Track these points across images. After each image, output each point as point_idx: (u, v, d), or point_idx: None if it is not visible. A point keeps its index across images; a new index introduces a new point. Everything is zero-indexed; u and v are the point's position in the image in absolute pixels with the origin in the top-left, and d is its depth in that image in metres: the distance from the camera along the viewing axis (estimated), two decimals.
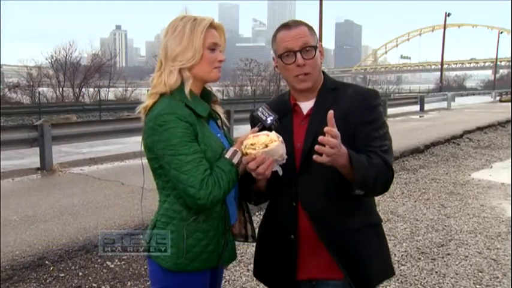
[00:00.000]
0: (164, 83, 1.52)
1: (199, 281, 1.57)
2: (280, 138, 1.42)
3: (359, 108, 1.54)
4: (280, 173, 1.48)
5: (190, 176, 1.42)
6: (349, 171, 1.41)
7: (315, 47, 1.55)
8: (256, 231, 1.74)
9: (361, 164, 1.40)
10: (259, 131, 1.52)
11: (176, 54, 1.52)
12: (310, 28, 1.59)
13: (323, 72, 1.64)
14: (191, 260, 1.52)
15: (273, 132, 1.45)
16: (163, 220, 1.56)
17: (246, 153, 1.42)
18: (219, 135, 1.60)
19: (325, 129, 1.33)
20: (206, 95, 1.63)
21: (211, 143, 1.51)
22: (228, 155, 1.50)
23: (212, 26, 1.55)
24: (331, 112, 1.35)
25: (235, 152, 1.51)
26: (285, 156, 1.44)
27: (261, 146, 1.40)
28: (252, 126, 1.60)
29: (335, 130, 1.33)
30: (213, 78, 1.59)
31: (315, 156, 1.34)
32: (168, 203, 1.55)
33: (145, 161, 1.59)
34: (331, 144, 1.32)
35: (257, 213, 4.73)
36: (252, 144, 1.42)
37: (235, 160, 1.49)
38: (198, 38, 1.50)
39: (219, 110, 1.69)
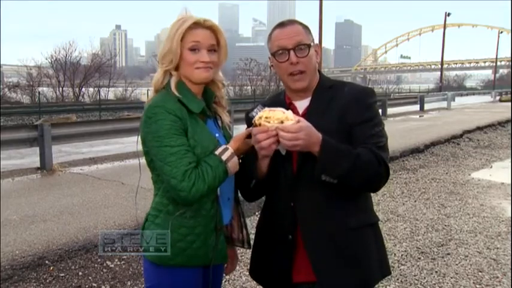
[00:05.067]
0: (153, 83, 1.60)
1: (189, 279, 1.56)
2: (297, 118, 1.40)
3: (355, 107, 1.54)
4: (283, 152, 1.49)
5: (174, 168, 1.43)
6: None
7: (309, 46, 1.54)
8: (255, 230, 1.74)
9: (331, 151, 1.41)
10: None
11: (162, 56, 1.56)
12: (306, 27, 1.59)
13: (319, 71, 1.64)
14: (174, 254, 1.52)
15: (290, 111, 1.44)
16: (153, 213, 1.58)
17: (259, 124, 1.41)
18: (217, 135, 1.60)
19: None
20: (208, 95, 1.64)
21: (203, 140, 1.52)
22: (217, 152, 1.51)
23: (197, 25, 1.53)
24: None
25: (225, 149, 1.51)
26: None
27: (276, 121, 1.39)
28: (248, 126, 1.60)
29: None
30: (197, 79, 1.57)
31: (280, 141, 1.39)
32: (158, 197, 1.58)
33: (143, 160, 1.60)
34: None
35: (257, 213, 4.73)
36: (266, 117, 1.41)
37: (224, 157, 1.49)
38: (176, 41, 1.51)
39: (221, 111, 1.69)
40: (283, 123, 1.38)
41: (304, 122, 1.39)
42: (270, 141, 1.40)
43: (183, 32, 1.51)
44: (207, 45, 1.54)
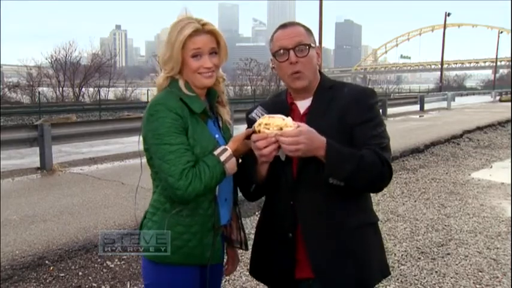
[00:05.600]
0: (157, 87, 1.62)
1: (187, 278, 1.57)
2: (296, 125, 1.41)
3: (356, 108, 1.54)
4: (283, 158, 1.49)
5: (172, 166, 1.44)
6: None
7: (309, 46, 1.56)
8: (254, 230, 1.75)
9: (336, 154, 1.42)
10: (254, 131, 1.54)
11: (163, 62, 1.57)
12: (307, 29, 1.61)
13: (320, 72, 1.65)
14: (171, 252, 1.53)
15: (289, 117, 1.44)
16: (151, 211, 1.60)
17: (259, 131, 1.42)
18: (217, 136, 1.61)
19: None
20: (211, 95, 1.65)
21: (202, 140, 1.52)
22: (216, 152, 1.51)
23: (199, 32, 1.53)
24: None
25: (224, 150, 1.52)
26: None
27: (276, 128, 1.40)
28: (249, 126, 1.61)
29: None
30: (200, 85, 1.58)
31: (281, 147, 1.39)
32: (156, 194, 1.59)
33: (144, 160, 1.60)
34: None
35: (257, 213, 4.73)
36: (266, 124, 1.41)
37: (222, 157, 1.50)
38: (177, 48, 1.52)
39: (223, 111, 1.70)
40: (283, 130, 1.38)
41: (305, 127, 1.40)
42: (270, 148, 1.40)
43: (183, 41, 1.52)
44: (208, 49, 1.55)
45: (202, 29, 1.54)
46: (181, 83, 1.57)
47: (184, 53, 1.53)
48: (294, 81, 1.57)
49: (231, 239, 1.70)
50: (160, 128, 1.46)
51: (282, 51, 1.55)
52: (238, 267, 3.53)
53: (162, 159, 1.45)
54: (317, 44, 1.63)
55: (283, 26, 1.61)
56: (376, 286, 1.64)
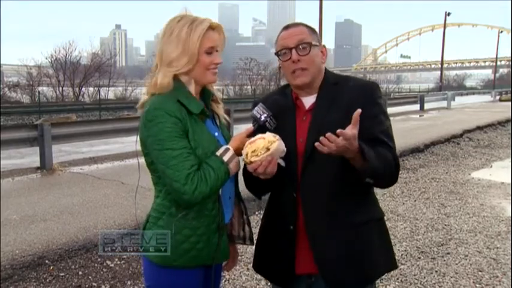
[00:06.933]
0: (155, 84, 1.54)
1: (189, 280, 1.56)
2: (277, 137, 1.44)
3: (362, 102, 1.54)
4: (283, 164, 1.50)
5: (176, 171, 1.43)
6: (357, 160, 1.43)
7: (311, 44, 1.57)
8: (257, 230, 1.74)
9: (372, 156, 1.43)
10: (256, 129, 1.56)
11: (171, 59, 1.53)
12: (311, 29, 1.63)
13: (325, 68, 1.66)
14: (179, 255, 1.52)
15: (267, 133, 1.46)
16: (154, 215, 1.58)
17: (251, 162, 1.43)
18: (216, 134, 1.60)
19: (343, 131, 1.36)
20: (206, 94, 1.64)
21: (203, 140, 1.52)
22: (219, 153, 1.51)
23: (210, 27, 1.55)
24: (358, 111, 1.38)
25: (226, 150, 1.51)
26: (285, 150, 1.47)
27: (263, 150, 1.42)
28: (252, 124, 1.61)
29: (350, 132, 1.35)
30: (209, 81, 1.59)
31: (316, 144, 1.37)
32: (160, 198, 1.57)
33: (143, 160, 1.60)
34: (338, 144, 1.35)
35: (257, 213, 4.73)
36: (253, 152, 1.43)
37: (225, 158, 1.49)
38: (194, 43, 1.51)
39: (219, 109, 1.70)
40: (270, 149, 1.41)
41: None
42: (270, 168, 1.43)
43: (201, 36, 1.51)
44: (220, 47, 1.58)
45: (215, 26, 1.56)
46: (186, 81, 1.56)
47: (200, 49, 1.53)
48: (295, 78, 1.58)
49: (231, 234, 1.69)
50: (160, 133, 1.45)
51: (284, 50, 1.57)
52: (238, 267, 3.54)
53: (166, 164, 1.43)
54: (322, 42, 1.65)
55: (287, 27, 1.63)
56: (376, 286, 1.64)
